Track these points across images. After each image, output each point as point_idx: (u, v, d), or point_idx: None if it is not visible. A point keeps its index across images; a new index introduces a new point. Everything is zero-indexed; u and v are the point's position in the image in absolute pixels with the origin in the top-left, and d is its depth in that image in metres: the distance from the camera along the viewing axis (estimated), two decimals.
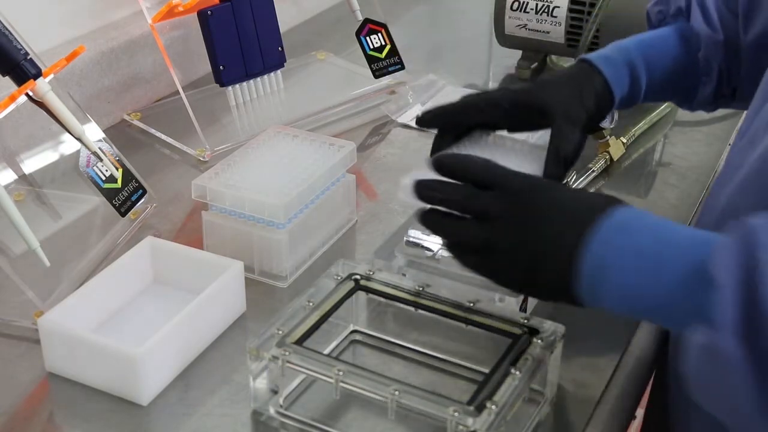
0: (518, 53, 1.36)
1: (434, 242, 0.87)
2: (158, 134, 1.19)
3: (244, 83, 1.20)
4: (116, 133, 1.18)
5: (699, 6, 0.94)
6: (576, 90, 0.88)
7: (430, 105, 0.93)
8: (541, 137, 1.03)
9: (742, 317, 0.59)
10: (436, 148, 0.88)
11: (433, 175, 0.77)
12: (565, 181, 1.01)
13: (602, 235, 0.67)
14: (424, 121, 0.90)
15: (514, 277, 0.72)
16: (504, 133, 0.90)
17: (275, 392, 0.76)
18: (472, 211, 0.73)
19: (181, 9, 1.12)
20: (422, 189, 0.76)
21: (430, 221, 0.75)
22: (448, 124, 0.88)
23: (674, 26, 0.96)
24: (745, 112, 0.84)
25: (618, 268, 0.67)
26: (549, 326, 0.76)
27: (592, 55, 0.91)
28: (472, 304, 0.78)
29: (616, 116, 1.14)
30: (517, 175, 0.74)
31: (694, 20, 0.94)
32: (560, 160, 0.85)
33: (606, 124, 1.13)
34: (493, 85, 1.36)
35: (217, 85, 1.19)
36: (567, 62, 1.36)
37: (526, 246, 0.70)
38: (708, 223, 0.79)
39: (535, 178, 0.74)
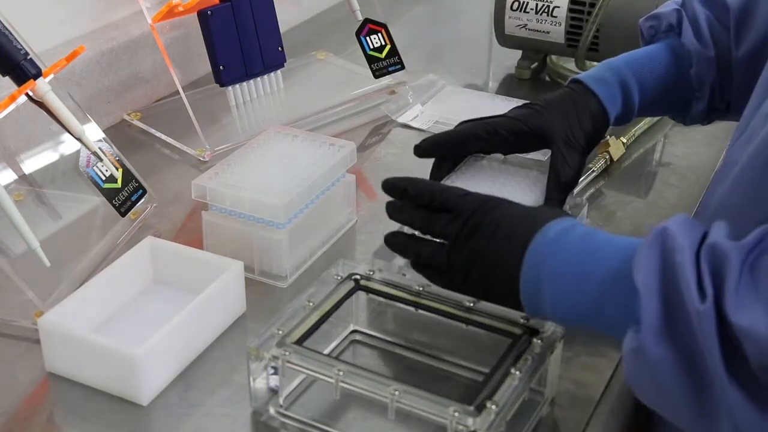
0: (518, 53, 1.37)
1: None
2: (158, 134, 1.19)
3: (244, 83, 1.20)
4: (116, 133, 1.18)
5: (690, 22, 0.95)
6: (573, 113, 0.91)
7: (428, 124, 0.97)
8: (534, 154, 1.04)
9: (663, 318, 0.62)
10: (434, 176, 0.93)
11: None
12: None
13: (535, 250, 0.71)
14: (423, 149, 0.94)
15: (473, 291, 0.77)
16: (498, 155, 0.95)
17: (275, 392, 0.76)
18: (431, 233, 0.78)
19: (181, 9, 1.12)
20: (390, 211, 0.81)
21: (395, 244, 0.81)
22: (447, 153, 0.93)
23: (665, 42, 0.97)
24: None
25: (548, 281, 0.70)
26: (549, 326, 0.76)
27: (584, 76, 0.93)
28: (472, 304, 0.78)
29: None
30: (469, 196, 0.77)
31: (685, 37, 0.95)
32: (561, 185, 0.89)
33: None
34: (492, 85, 1.36)
35: (217, 85, 1.19)
36: (567, 62, 1.36)
37: (476, 263, 0.75)
38: (703, 220, 0.79)
39: (486, 197, 0.77)
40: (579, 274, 0.69)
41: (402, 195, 0.81)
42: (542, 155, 1.15)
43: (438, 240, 0.78)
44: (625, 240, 0.70)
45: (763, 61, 0.90)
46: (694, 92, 0.96)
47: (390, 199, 0.82)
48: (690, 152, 1.17)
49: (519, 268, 0.72)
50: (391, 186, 0.82)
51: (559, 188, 0.89)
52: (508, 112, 0.93)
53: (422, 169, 1.12)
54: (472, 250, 0.75)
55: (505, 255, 0.73)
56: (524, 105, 0.94)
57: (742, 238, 0.68)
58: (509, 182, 0.92)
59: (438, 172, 0.93)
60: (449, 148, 0.93)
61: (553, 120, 0.90)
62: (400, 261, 0.88)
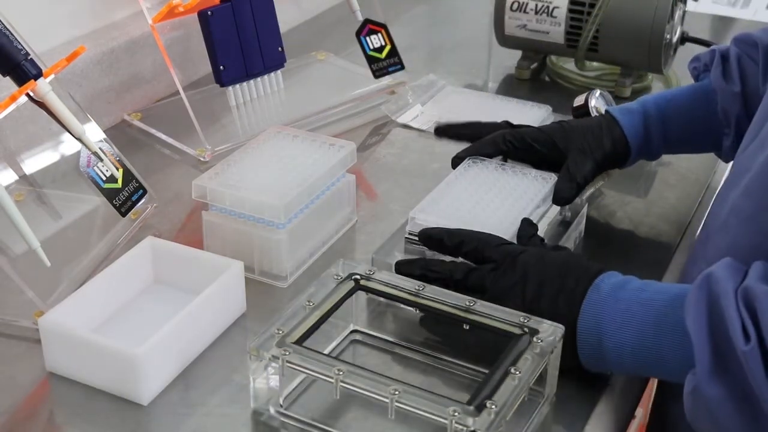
0: (518, 53, 1.37)
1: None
2: (158, 134, 1.19)
3: (244, 83, 1.21)
4: (117, 133, 1.18)
5: (720, 60, 0.98)
6: (594, 133, 0.97)
7: (451, 119, 1.07)
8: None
9: (715, 360, 0.66)
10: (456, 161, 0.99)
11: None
12: None
13: (592, 305, 0.75)
14: (444, 133, 1.05)
15: None
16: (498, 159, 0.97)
17: (275, 392, 0.76)
18: (471, 288, 0.80)
19: (181, 9, 1.12)
20: (418, 269, 0.83)
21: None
22: (479, 153, 0.98)
23: (698, 84, 1.01)
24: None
25: (610, 335, 0.74)
26: (549, 326, 0.76)
27: (613, 108, 1.01)
28: (472, 304, 0.78)
29: None
30: (505, 246, 0.81)
31: (713, 75, 0.98)
32: (572, 180, 0.94)
33: None
34: (492, 85, 1.36)
35: (218, 85, 1.20)
36: (567, 62, 1.36)
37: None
38: (714, 227, 0.80)
39: (519, 248, 0.81)
40: (639, 327, 0.73)
41: (439, 245, 0.84)
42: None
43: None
44: (676, 287, 0.74)
45: None
46: (723, 128, 0.98)
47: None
48: None
49: (575, 324, 0.75)
50: (428, 236, 0.85)
51: (568, 182, 0.94)
52: (540, 126, 1.01)
53: (421, 169, 1.12)
54: (516, 305, 0.78)
55: (560, 310, 0.76)
56: (555, 122, 1.01)
57: (758, 245, 0.69)
58: (509, 183, 0.93)
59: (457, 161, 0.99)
60: (477, 149, 0.99)
61: (573, 135, 0.97)
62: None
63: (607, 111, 1.00)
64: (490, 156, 0.98)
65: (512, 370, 0.71)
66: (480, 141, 1.00)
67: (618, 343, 0.73)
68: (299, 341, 0.75)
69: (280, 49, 1.23)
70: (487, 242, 0.82)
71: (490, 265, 0.80)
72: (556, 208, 0.95)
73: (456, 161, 0.98)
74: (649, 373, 0.78)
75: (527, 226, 0.87)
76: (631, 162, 1.01)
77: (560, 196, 0.94)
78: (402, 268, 0.84)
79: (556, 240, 0.92)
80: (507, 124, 1.03)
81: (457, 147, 1.17)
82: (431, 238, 0.85)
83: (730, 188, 0.79)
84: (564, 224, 0.95)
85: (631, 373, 0.79)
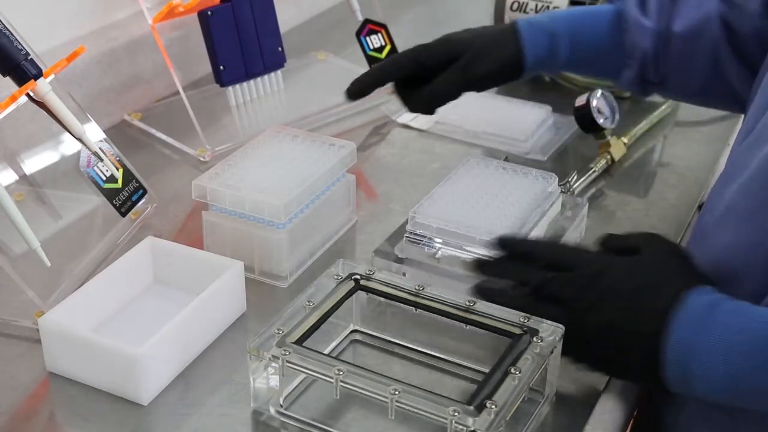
0: None
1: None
2: (158, 134, 1.19)
3: (245, 83, 1.21)
4: (117, 133, 1.18)
5: None
6: (487, 48, 0.98)
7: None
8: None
9: None
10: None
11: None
12: (565, 181, 1.02)
13: (682, 326, 0.69)
14: (355, 93, 1.02)
15: (597, 362, 0.75)
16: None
17: (275, 392, 0.76)
18: (547, 294, 0.75)
19: (181, 9, 1.12)
20: (492, 270, 0.78)
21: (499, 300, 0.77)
22: (377, 86, 1.00)
23: (613, 6, 0.99)
24: (748, 111, 0.84)
25: (701, 360, 0.68)
26: (549, 326, 0.76)
27: (522, 19, 1.00)
28: (472, 304, 0.78)
29: (617, 116, 1.15)
30: (586, 256, 0.76)
31: (629, 3, 0.96)
32: (429, 91, 0.97)
33: (607, 124, 1.13)
34: None
35: (218, 85, 1.20)
36: None
37: (606, 332, 0.72)
38: (709, 222, 0.79)
39: (603, 258, 0.76)
40: (735, 356, 0.67)
41: (525, 254, 0.79)
42: (542, 155, 1.15)
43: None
44: None
45: (698, 46, 0.94)
46: (625, 59, 0.97)
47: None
48: (690, 152, 1.17)
49: (659, 343, 0.70)
50: (507, 244, 0.80)
51: (426, 92, 0.98)
52: (426, 43, 1.01)
53: (421, 169, 1.13)
54: (599, 320, 0.73)
55: (645, 328, 0.71)
56: (449, 34, 1.02)
57: (759, 243, 0.69)
58: (509, 183, 0.93)
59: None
60: (377, 83, 1.01)
61: (465, 50, 0.98)
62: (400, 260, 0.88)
63: (514, 23, 0.99)
64: (383, 83, 1.00)
65: (512, 370, 0.71)
66: (372, 68, 1.01)
67: (709, 371, 0.68)
68: (299, 341, 0.75)
69: (280, 49, 1.23)
70: (567, 249, 0.77)
71: (569, 273, 0.74)
72: (556, 209, 0.95)
73: (351, 94, 1.01)
74: (742, 403, 0.70)
75: (612, 239, 0.82)
76: (526, 77, 1.01)
77: (410, 107, 1.00)
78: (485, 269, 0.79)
79: (556, 240, 0.92)
80: None
81: (456, 147, 1.17)
82: (505, 245, 0.79)
83: (726, 184, 0.79)
84: (564, 224, 0.95)
85: (721, 401, 0.71)
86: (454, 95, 1.00)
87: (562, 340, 0.75)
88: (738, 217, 0.75)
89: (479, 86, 1.00)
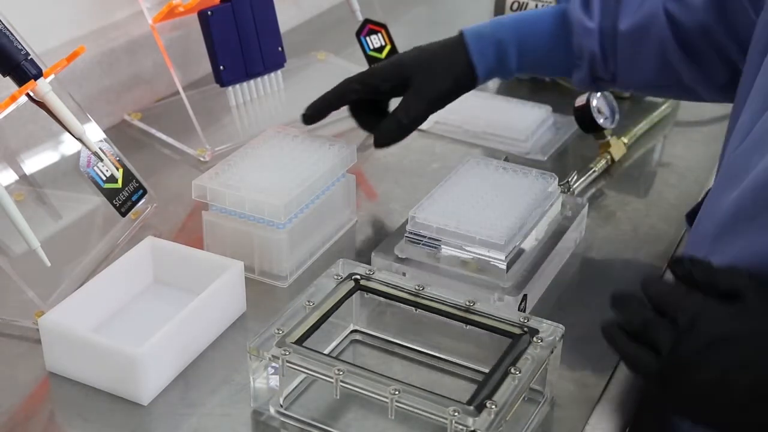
0: None
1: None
2: (159, 134, 1.19)
3: (245, 83, 1.20)
4: (117, 133, 1.18)
5: None
6: (436, 66, 0.98)
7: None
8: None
9: None
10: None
11: None
12: (565, 181, 1.02)
13: None
14: (309, 117, 1.02)
15: (705, 416, 0.66)
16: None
17: (275, 392, 0.76)
18: (644, 340, 0.67)
19: (181, 9, 1.12)
20: (617, 302, 0.70)
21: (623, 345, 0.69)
22: (331, 111, 1.01)
23: (558, 8, 1.00)
24: (741, 112, 0.83)
25: None
26: (549, 326, 0.76)
27: (468, 29, 1.00)
28: (472, 304, 0.78)
29: (617, 116, 1.15)
30: (685, 301, 0.66)
31: (572, 4, 0.97)
32: (395, 121, 0.97)
33: (607, 124, 1.13)
34: (492, 85, 1.36)
35: (218, 85, 1.19)
36: None
37: (719, 386, 0.63)
38: (709, 228, 0.78)
39: (699, 301, 0.66)
40: None
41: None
42: (542, 155, 1.15)
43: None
44: None
45: (646, 43, 0.95)
46: (574, 60, 0.98)
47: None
48: (689, 152, 1.17)
49: None
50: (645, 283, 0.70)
51: (393, 123, 0.98)
52: (379, 64, 1.02)
53: (421, 169, 1.13)
54: (708, 374, 0.63)
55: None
56: (402, 53, 1.02)
57: (758, 244, 0.68)
58: (509, 183, 0.93)
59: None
60: (331, 107, 1.02)
61: (413, 69, 0.98)
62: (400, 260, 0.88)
63: (459, 34, 1.00)
64: (337, 107, 1.01)
65: (512, 370, 0.71)
66: (326, 93, 1.01)
67: None
68: (299, 341, 0.75)
69: (280, 49, 1.23)
70: (672, 288, 0.68)
71: (667, 318, 0.66)
72: (556, 209, 0.95)
73: (306, 119, 1.01)
74: None
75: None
76: (480, 83, 1.02)
77: (381, 141, 0.98)
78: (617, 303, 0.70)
79: (556, 240, 0.92)
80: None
81: (456, 147, 1.17)
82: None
83: (726, 189, 0.77)
84: (564, 224, 0.95)
85: None
86: (421, 121, 1.00)
87: (562, 341, 0.75)
88: (740, 221, 0.73)
89: (439, 105, 1.01)
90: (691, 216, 0.93)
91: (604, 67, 0.99)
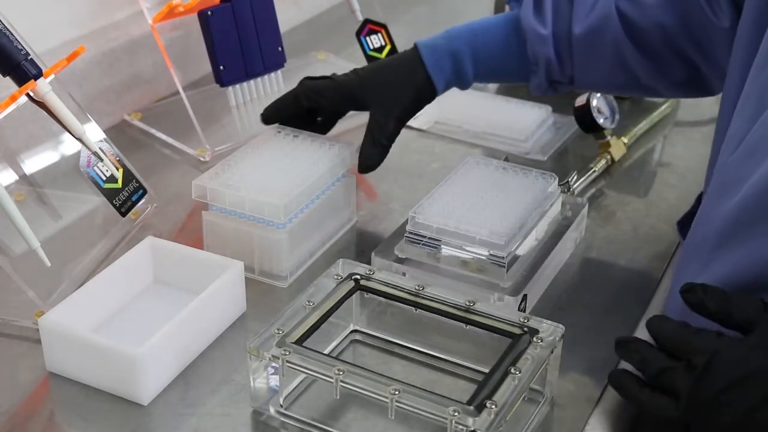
0: None
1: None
2: (159, 134, 1.19)
3: (245, 83, 1.20)
4: (117, 133, 1.18)
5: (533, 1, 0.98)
6: (394, 81, 0.98)
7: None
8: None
9: None
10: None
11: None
12: (565, 181, 1.02)
13: None
14: (267, 117, 1.02)
15: None
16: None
17: (275, 392, 0.76)
18: (662, 389, 0.66)
19: (181, 9, 1.12)
20: (621, 350, 0.70)
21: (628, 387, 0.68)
22: (287, 113, 1.00)
23: (511, 14, 1.01)
24: (733, 119, 0.83)
25: None
26: (549, 326, 0.76)
27: (422, 42, 1.00)
28: (472, 304, 0.78)
29: (617, 116, 1.15)
30: (696, 341, 0.65)
31: (524, 11, 0.97)
32: (376, 144, 0.96)
33: (607, 124, 1.13)
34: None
35: (218, 85, 1.19)
36: None
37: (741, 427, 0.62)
38: (707, 238, 0.77)
39: (713, 339, 0.65)
40: None
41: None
42: (542, 155, 1.15)
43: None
44: None
45: (600, 45, 0.96)
46: (530, 66, 0.99)
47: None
48: (690, 152, 1.17)
49: None
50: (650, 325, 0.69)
51: (373, 146, 0.97)
52: (339, 76, 1.01)
53: (421, 169, 1.12)
54: (730, 416, 0.62)
55: None
56: (353, 71, 1.01)
57: (759, 252, 0.67)
58: (509, 183, 0.93)
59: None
60: (286, 108, 1.01)
61: (373, 87, 0.98)
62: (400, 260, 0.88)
63: (414, 48, 0.99)
64: (294, 116, 1.01)
65: (512, 370, 0.71)
66: (279, 98, 1.01)
67: None
68: (299, 341, 0.75)
69: (280, 49, 1.23)
70: (678, 330, 0.66)
71: (681, 362, 0.65)
72: (556, 209, 0.95)
73: (265, 119, 1.01)
74: None
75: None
76: (440, 95, 1.01)
77: (366, 165, 0.97)
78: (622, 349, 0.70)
79: (556, 240, 0.92)
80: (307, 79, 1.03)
81: (456, 147, 1.17)
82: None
83: (722, 197, 0.77)
84: (564, 224, 0.95)
85: None
86: (394, 139, 1.00)
87: (562, 341, 0.75)
88: (751, 231, 0.72)
89: (405, 120, 1.00)
90: (683, 224, 0.93)
91: (560, 71, 0.99)
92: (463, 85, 1.02)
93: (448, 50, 0.99)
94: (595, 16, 0.96)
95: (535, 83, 1.01)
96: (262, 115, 1.02)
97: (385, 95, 0.97)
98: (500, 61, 1.00)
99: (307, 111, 1.02)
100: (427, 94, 0.99)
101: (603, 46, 0.96)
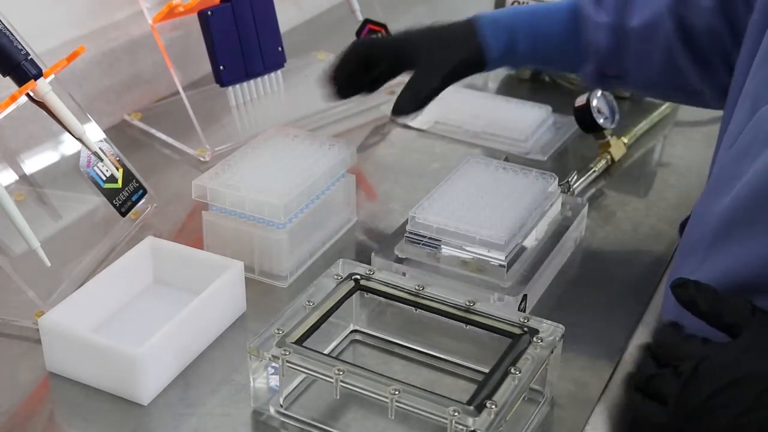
0: None
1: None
2: (159, 134, 1.19)
3: (245, 83, 1.20)
4: (117, 133, 1.18)
5: None
6: (448, 43, 0.99)
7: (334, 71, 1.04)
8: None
9: None
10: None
11: None
12: (565, 181, 1.02)
13: None
14: (337, 78, 1.02)
15: None
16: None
17: (275, 392, 0.76)
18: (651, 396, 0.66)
19: (181, 9, 1.12)
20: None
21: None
22: (346, 71, 1.02)
23: (571, 2, 1.01)
24: (733, 114, 0.83)
25: None
26: (549, 326, 0.76)
27: (483, 13, 1.01)
28: (471, 304, 0.78)
29: (617, 116, 1.15)
30: (685, 348, 0.65)
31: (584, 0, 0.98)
32: (415, 93, 0.97)
33: (607, 124, 1.13)
34: (492, 85, 1.36)
35: (218, 85, 1.19)
36: None
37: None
38: (702, 237, 0.77)
39: (699, 347, 0.65)
40: None
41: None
42: (542, 155, 1.15)
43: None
44: None
45: (653, 41, 0.95)
46: (584, 55, 0.99)
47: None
48: (690, 152, 1.17)
49: None
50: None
51: (413, 95, 0.98)
52: (389, 36, 1.05)
53: (421, 169, 1.13)
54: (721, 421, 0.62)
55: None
56: (407, 28, 1.03)
57: (754, 251, 0.67)
58: (509, 183, 0.93)
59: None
60: (343, 66, 1.02)
61: (424, 45, 1.00)
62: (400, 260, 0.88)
63: (474, 19, 1.00)
64: (350, 75, 1.01)
65: (512, 370, 0.71)
66: (334, 61, 1.02)
67: None
68: (299, 341, 0.75)
69: (280, 49, 1.23)
70: (668, 336, 0.67)
71: (669, 369, 0.65)
72: (556, 209, 0.95)
73: (336, 82, 1.02)
74: None
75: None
76: (487, 68, 1.02)
77: (399, 108, 0.98)
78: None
79: (556, 240, 0.92)
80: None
81: (456, 147, 1.17)
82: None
83: (716, 195, 0.76)
84: (564, 224, 0.95)
85: None
86: (434, 95, 1.00)
87: (562, 341, 0.75)
88: (747, 229, 0.72)
89: (449, 81, 1.01)
90: (684, 225, 0.93)
91: (613, 64, 0.99)
92: (514, 62, 1.03)
93: (507, 25, 0.99)
94: (650, 11, 0.96)
95: (586, 72, 1.01)
96: (332, 82, 1.02)
97: (435, 53, 0.97)
98: (556, 45, 1.00)
99: (360, 70, 1.02)
100: (476, 62, 1.00)
101: (656, 43, 0.96)
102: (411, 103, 0.97)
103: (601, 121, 1.12)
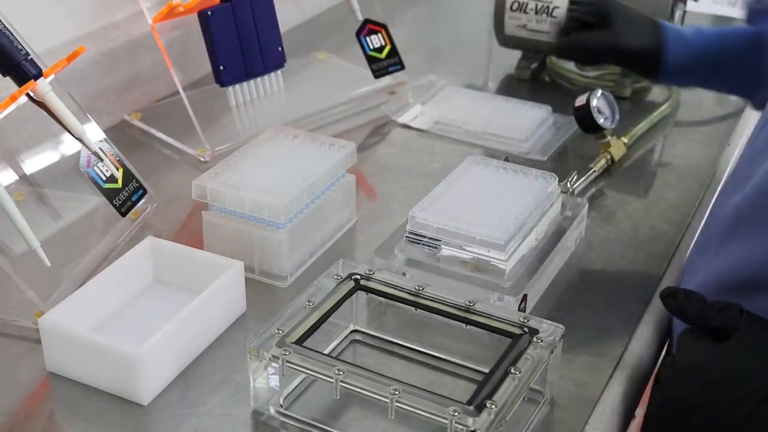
0: (518, 53, 1.36)
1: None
2: (159, 134, 1.19)
3: (245, 83, 1.20)
4: (117, 133, 1.18)
5: None
6: (639, 28, 1.04)
7: None
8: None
9: None
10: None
11: None
12: (565, 181, 1.02)
13: None
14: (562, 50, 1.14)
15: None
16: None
17: (275, 392, 0.76)
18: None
19: (181, 9, 1.12)
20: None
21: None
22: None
23: (756, 27, 1.02)
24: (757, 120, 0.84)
25: None
26: (549, 326, 0.76)
27: (669, 24, 1.05)
28: (472, 304, 0.78)
29: (617, 116, 1.15)
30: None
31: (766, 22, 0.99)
32: (583, 43, 1.06)
33: (607, 124, 1.13)
34: (492, 85, 1.36)
35: (218, 85, 1.19)
36: (567, 62, 1.36)
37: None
38: (715, 233, 0.78)
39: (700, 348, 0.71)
40: None
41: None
42: (542, 155, 1.15)
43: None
44: None
45: None
46: (763, 78, 0.99)
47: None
48: (690, 152, 1.17)
49: None
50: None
51: (581, 45, 1.07)
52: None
53: (421, 169, 1.13)
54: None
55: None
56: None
57: (756, 249, 0.68)
58: (509, 183, 0.93)
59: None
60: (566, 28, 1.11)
61: (622, 19, 1.06)
62: (400, 260, 0.88)
63: (662, 24, 1.04)
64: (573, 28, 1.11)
65: (512, 370, 0.71)
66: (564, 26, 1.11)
67: None
68: (299, 341, 0.75)
69: (280, 49, 1.23)
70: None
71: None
72: (556, 209, 0.95)
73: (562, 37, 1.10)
74: None
75: (691, 303, 0.76)
76: (658, 81, 1.06)
77: (562, 50, 1.08)
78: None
79: (556, 240, 0.92)
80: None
81: (456, 147, 1.17)
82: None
83: (729, 196, 0.78)
84: (564, 224, 0.95)
85: None
86: (599, 61, 1.07)
87: (562, 341, 0.75)
88: (751, 228, 0.73)
89: (617, 58, 1.06)
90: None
91: None
92: (687, 76, 1.06)
93: (687, 35, 1.02)
94: None
95: (764, 96, 0.99)
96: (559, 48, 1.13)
97: (625, 27, 1.01)
98: (732, 65, 1.02)
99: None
100: (650, 59, 1.03)
101: None
102: (574, 50, 1.04)
103: (601, 121, 1.12)
